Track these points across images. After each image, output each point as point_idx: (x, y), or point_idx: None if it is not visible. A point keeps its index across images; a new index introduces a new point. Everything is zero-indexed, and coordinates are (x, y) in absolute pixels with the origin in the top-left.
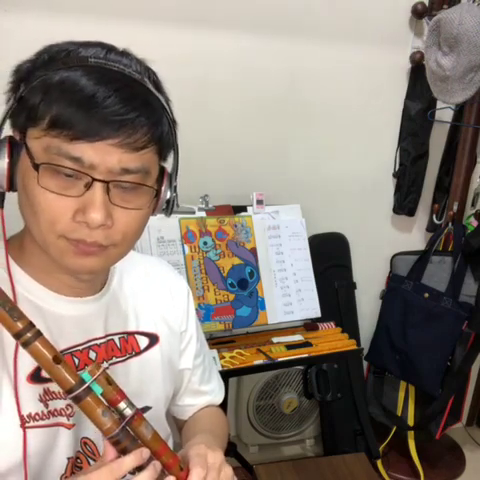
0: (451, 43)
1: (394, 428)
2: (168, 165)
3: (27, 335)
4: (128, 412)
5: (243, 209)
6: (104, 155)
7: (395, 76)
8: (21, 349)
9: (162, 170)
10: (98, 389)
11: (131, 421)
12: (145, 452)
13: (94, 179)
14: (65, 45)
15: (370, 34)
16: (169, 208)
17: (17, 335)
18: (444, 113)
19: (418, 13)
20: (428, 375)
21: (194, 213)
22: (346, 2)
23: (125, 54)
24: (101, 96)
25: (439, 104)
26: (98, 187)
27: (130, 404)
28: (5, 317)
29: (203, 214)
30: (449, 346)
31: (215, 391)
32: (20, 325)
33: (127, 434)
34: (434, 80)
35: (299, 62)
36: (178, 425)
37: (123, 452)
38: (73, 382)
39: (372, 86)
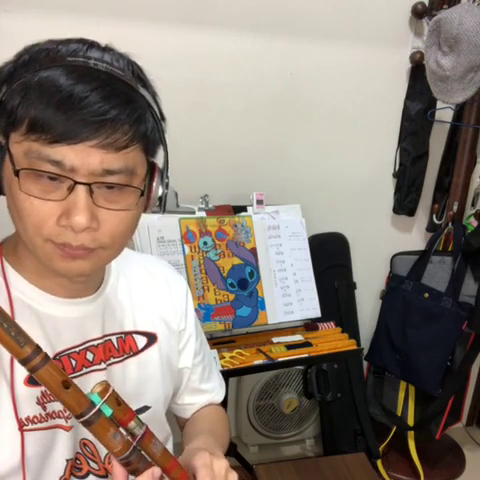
0: (451, 43)
1: (394, 428)
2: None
3: (36, 360)
4: (138, 431)
5: (243, 209)
6: (85, 157)
7: (395, 76)
8: None
9: (153, 167)
10: (108, 411)
11: (141, 440)
12: (156, 472)
13: (76, 182)
14: (45, 44)
15: (370, 34)
16: (162, 205)
17: (24, 361)
18: (444, 113)
19: (418, 13)
20: (428, 375)
21: (194, 213)
22: (346, 2)
23: (107, 50)
24: (79, 96)
25: (439, 104)
26: (81, 190)
27: (140, 422)
28: (11, 343)
29: (203, 214)
30: (449, 346)
31: (216, 389)
32: (28, 350)
33: (137, 454)
34: (434, 80)
35: (299, 62)
36: (180, 424)
37: (133, 473)
38: (84, 406)
39: (372, 86)
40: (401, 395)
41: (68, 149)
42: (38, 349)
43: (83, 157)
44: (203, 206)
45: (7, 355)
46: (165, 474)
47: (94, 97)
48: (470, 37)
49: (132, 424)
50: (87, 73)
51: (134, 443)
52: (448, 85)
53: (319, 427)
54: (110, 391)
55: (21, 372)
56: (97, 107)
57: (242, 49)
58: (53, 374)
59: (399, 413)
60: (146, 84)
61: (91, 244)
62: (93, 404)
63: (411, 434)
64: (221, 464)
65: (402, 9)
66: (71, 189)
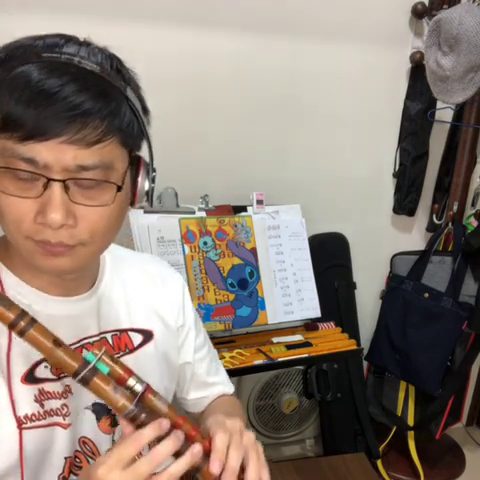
0: (451, 43)
1: (394, 428)
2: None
3: (21, 324)
4: (138, 388)
5: (243, 209)
6: (58, 153)
7: (395, 76)
8: (13, 350)
9: (137, 161)
10: (104, 368)
11: (144, 396)
12: (165, 423)
13: (49, 179)
14: (22, 41)
15: (370, 34)
16: (150, 200)
17: (11, 325)
18: (444, 113)
19: (418, 13)
20: (428, 375)
21: (194, 213)
22: (346, 2)
23: (84, 44)
24: (49, 91)
25: (439, 104)
26: (55, 186)
27: (139, 380)
28: None
29: (203, 214)
30: (449, 346)
31: (225, 382)
32: (12, 315)
33: (143, 408)
34: (434, 80)
35: (299, 62)
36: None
37: (141, 427)
38: (78, 363)
39: (372, 86)
40: (401, 395)
41: (40, 146)
42: (23, 313)
43: (56, 153)
44: (203, 206)
45: (3, 354)
46: (175, 428)
47: (64, 92)
48: (470, 37)
49: (131, 381)
50: (59, 68)
51: (138, 395)
52: (448, 85)
53: (319, 427)
54: (103, 350)
55: (18, 370)
56: (67, 102)
57: (242, 49)
58: (42, 334)
59: (399, 413)
60: (125, 77)
61: (70, 241)
62: (88, 361)
63: (411, 434)
64: (235, 422)
65: (402, 9)
66: (46, 186)
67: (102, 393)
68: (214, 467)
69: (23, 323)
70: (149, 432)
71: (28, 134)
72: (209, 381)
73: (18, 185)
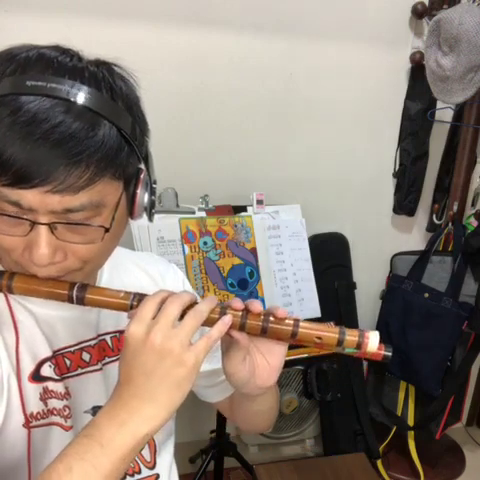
0: (451, 43)
1: (394, 428)
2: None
3: (4, 282)
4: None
5: (243, 209)
6: (43, 198)
7: (395, 76)
8: (21, 347)
9: (137, 174)
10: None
11: (139, 294)
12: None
13: (35, 222)
14: (14, 51)
15: (370, 34)
16: (148, 214)
17: None
18: (444, 113)
19: (418, 13)
20: (428, 375)
21: (194, 213)
22: (346, 2)
23: (76, 58)
24: (34, 136)
25: (439, 104)
26: (41, 229)
27: (127, 291)
28: None
29: (203, 214)
30: (449, 346)
31: None
32: None
33: (144, 296)
34: (434, 80)
35: (299, 62)
36: (223, 409)
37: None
38: (66, 287)
39: (372, 86)
40: (401, 395)
41: (25, 192)
42: (0, 272)
43: (41, 198)
44: (203, 206)
45: (13, 350)
46: None
47: (51, 137)
48: (470, 37)
49: (122, 294)
50: (47, 103)
51: (132, 293)
52: (448, 85)
53: (319, 427)
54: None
55: (26, 369)
56: (52, 149)
57: (242, 49)
58: (26, 281)
59: (399, 413)
60: (119, 96)
61: (58, 273)
62: (75, 282)
63: (411, 434)
64: None
65: (402, 9)
66: (32, 226)
67: (101, 297)
68: (256, 307)
69: (5, 281)
70: (162, 292)
71: (12, 181)
72: (220, 367)
73: (5, 222)
